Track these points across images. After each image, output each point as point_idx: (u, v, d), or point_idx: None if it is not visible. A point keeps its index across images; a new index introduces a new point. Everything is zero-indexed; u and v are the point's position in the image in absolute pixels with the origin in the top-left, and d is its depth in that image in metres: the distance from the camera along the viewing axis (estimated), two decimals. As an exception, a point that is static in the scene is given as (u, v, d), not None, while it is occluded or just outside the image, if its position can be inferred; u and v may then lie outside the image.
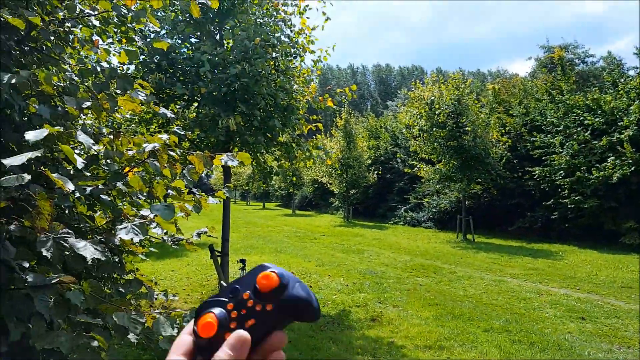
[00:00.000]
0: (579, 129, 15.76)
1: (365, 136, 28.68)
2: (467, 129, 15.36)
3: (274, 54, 6.42)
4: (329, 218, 28.07)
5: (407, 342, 5.27)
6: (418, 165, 17.57)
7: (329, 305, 6.96)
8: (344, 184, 24.57)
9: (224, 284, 7.06)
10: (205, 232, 3.06)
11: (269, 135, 7.09)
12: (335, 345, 5.13)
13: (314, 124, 7.90)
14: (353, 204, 28.37)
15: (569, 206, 15.11)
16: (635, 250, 13.45)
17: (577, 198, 14.87)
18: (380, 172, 25.01)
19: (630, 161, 13.74)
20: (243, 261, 7.01)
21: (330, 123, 31.33)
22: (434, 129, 15.99)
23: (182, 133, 6.47)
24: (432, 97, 16.29)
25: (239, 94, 6.18)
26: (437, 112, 15.84)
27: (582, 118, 15.84)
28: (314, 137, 7.81)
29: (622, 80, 16.45)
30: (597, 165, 14.58)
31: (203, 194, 2.59)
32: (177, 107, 6.95)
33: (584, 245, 14.61)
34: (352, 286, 8.35)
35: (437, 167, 16.59)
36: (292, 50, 7.04)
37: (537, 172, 16.41)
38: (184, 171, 2.27)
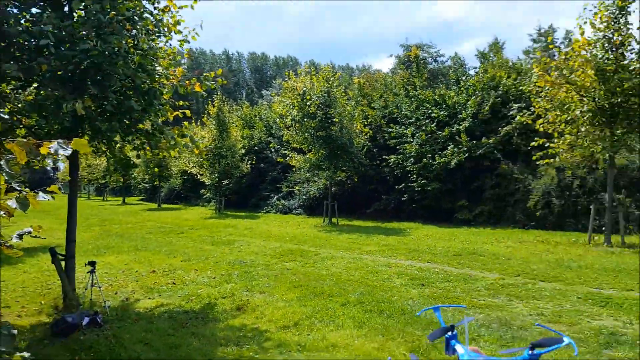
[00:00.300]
0: (427, 121, 17.85)
1: (240, 125, 28.42)
2: (334, 120, 16.30)
3: (133, 31, 6.01)
4: (199, 211, 27.36)
5: (271, 325, 5.56)
6: (290, 155, 18.13)
7: (192, 301, 6.91)
8: (216, 175, 24.14)
9: (71, 291, 6.49)
10: (29, 233, 2.80)
11: (127, 122, 6.69)
12: (197, 339, 5.16)
13: (180, 111, 7.64)
14: (225, 195, 28.03)
15: (416, 189, 17.09)
16: (465, 224, 15.90)
17: (422, 182, 16.89)
18: (254, 162, 25.10)
19: (465, 149, 16.05)
20: (92, 263, 6.52)
21: (203, 111, 30.31)
22: (305, 119, 16.64)
23: (8, 117, 5.78)
24: (304, 89, 16.88)
25: (90, 74, 5.69)
26: (308, 103, 16.49)
27: (430, 111, 17.97)
28: (181, 124, 7.46)
29: (463, 78, 19.03)
30: (440, 152, 16.72)
31: (27, 189, 2.35)
32: (10, 87, 6.11)
33: (427, 222, 16.75)
34: (220, 278, 8.40)
35: (308, 156, 17.33)
36: (155, 28, 6.67)
37: (392, 159, 18.17)
38: (1, 162, 2.07)
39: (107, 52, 5.45)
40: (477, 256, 9.84)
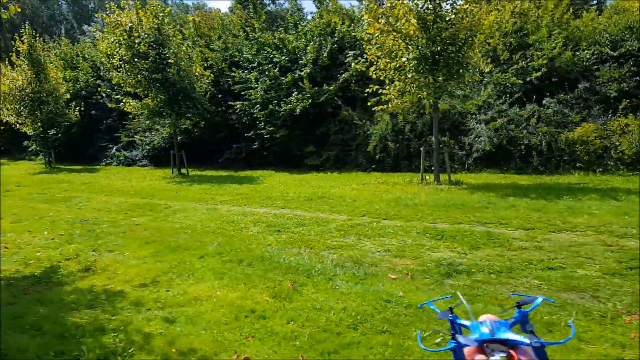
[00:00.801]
0: (269, 65, 17.85)
1: (60, 66, 24.54)
2: (170, 61, 15.22)
3: None
4: (27, 165, 23.78)
5: (125, 285, 5.35)
6: (124, 100, 16.54)
7: (32, 265, 6.22)
8: (39, 124, 20.85)
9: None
10: None
11: None
12: (44, 306, 4.75)
13: None
14: (55, 147, 24.54)
15: (265, 136, 17.37)
16: (315, 169, 16.88)
17: (270, 129, 17.20)
18: (82, 108, 22.20)
19: (309, 95, 16.65)
20: None
21: (10, 48, 25.28)
22: (136, 59, 15.18)
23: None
24: (131, 24, 15.22)
25: None
26: (137, 42, 15.00)
27: (271, 56, 17.94)
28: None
29: (301, 23, 19.22)
30: (285, 99, 17.06)
31: None
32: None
33: (279, 169, 17.32)
34: (60, 239, 7.63)
35: (144, 102, 16.04)
36: None
37: (238, 106, 17.95)
38: None
39: None
40: (326, 199, 10.64)
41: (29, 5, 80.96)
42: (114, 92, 19.68)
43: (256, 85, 17.73)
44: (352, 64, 13.37)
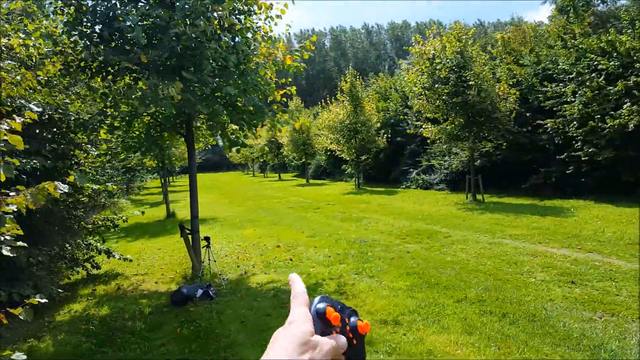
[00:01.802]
0: (592, 74, 14.55)
1: (375, 98, 27.70)
2: (470, 83, 14.44)
3: (219, 11, 5.80)
4: (341, 186, 27.67)
5: (367, 317, 4.87)
6: (423, 126, 16.81)
7: (302, 279, 6.59)
8: (353, 150, 23.96)
9: (197, 263, 6.82)
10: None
11: (229, 104, 6.66)
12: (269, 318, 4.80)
13: (287, 89, 7.40)
14: (365, 170, 27.78)
15: (583, 159, 14.15)
16: (654, 201, 12.55)
17: (590, 150, 13.89)
18: (389, 135, 24.17)
19: (649, 105, 12.63)
20: (207, 239, 6.72)
21: (334, 90, 30.39)
22: (436, 85, 15.12)
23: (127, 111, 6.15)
24: (433, 52, 15.33)
25: (183, 60, 5.68)
26: (438, 67, 14.93)
27: (595, 62, 14.60)
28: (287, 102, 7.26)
29: None
30: (612, 112, 13.48)
31: (48, 182, 2.43)
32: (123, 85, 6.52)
33: (600, 200, 13.72)
34: (335, 257, 7.97)
35: (442, 126, 15.80)
36: (244, 7, 6.43)
37: (549, 124, 15.39)
38: None
39: (195, 35, 5.32)
40: (662, 245, 7.52)
41: (362, 49, 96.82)
42: (414, 119, 20.41)
43: (573, 99, 14.79)
44: None
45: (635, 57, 13.66)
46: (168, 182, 39.58)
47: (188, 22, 5.37)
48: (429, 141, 18.79)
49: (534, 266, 6.77)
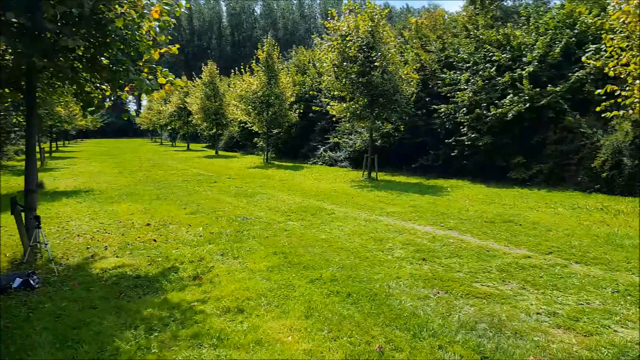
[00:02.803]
0: (486, 65, 15.47)
1: (293, 72, 27.21)
2: (376, 64, 14.63)
3: None
4: (250, 159, 27.18)
5: (210, 305, 4.67)
6: (330, 103, 16.83)
7: (155, 263, 6.22)
8: (264, 123, 23.49)
9: (26, 246, 6.06)
10: None
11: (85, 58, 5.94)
12: (114, 317, 4.39)
13: (166, 47, 6.74)
14: (276, 145, 27.49)
15: (466, 143, 15.12)
16: (519, 183, 13.90)
17: (473, 135, 14.87)
18: (301, 111, 24.02)
19: (527, 97, 13.71)
20: (37, 218, 5.97)
21: (246, 56, 29.27)
22: (345, 63, 15.13)
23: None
24: (345, 29, 15.24)
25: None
26: (348, 45, 14.92)
27: (490, 54, 15.53)
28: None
29: (536, 15, 16.07)
30: (497, 102, 14.48)
31: None
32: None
33: (476, 181, 14.87)
34: (207, 237, 7.67)
35: (347, 104, 15.92)
36: None
37: (442, 109, 16.17)
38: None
39: None
40: (511, 225, 8.22)
41: (291, 22, 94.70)
42: (322, 95, 20.42)
43: (466, 87, 15.62)
44: (584, 59, 10.14)
45: (524, 52, 14.69)
46: (56, 147, 36.23)
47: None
48: (334, 119, 18.94)
49: (396, 243, 7.05)
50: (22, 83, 6.23)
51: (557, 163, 13.28)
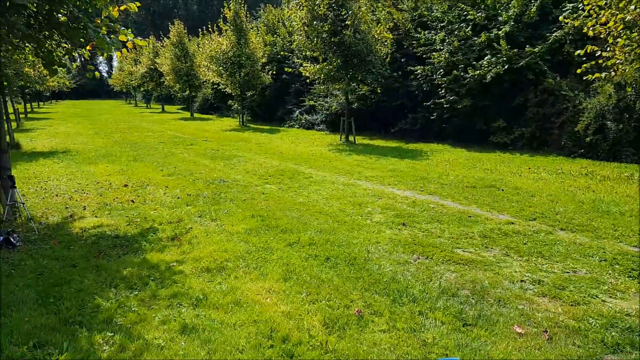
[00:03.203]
0: (461, 24, 15.22)
1: (263, 31, 26.35)
2: (347, 22, 14.23)
3: None
4: (227, 122, 26.65)
5: (188, 266, 4.63)
6: (303, 64, 16.44)
7: (134, 224, 6.12)
8: (237, 85, 22.89)
9: (8, 205, 5.91)
10: None
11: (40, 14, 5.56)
12: (94, 275, 4.35)
13: (126, 4, 6.35)
14: (251, 108, 26.94)
15: (445, 106, 15.08)
16: (500, 148, 13.94)
17: (452, 98, 14.81)
18: (274, 72, 23.46)
19: (505, 58, 13.63)
20: (11, 178, 5.77)
21: (215, 16, 28.06)
22: (315, 22, 14.66)
23: None
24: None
25: None
26: (317, 2, 14.42)
27: (465, 13, 15.24)
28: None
29: None
30: (475, 63, 14.36)
31: None
32: None
33: (456, 145, 14.93)
34: (185, 199, 7.55)
35: (320, 66, 15.57)
36: None
37: (419, 71, 15.99)
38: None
39: None
40: (493, 190, 8.29)
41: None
42: (293, 56, 19.89)
43: (441, 47, 15.41)
44: (561, 18, 10.04)
45: (499, 11, 14.46)
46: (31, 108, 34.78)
47: None
48: (308, 81, 18.57)
49: (375, 208, 7.06)
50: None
51: (539, 126, 13.34)
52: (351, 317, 3.59)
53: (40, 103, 49.22)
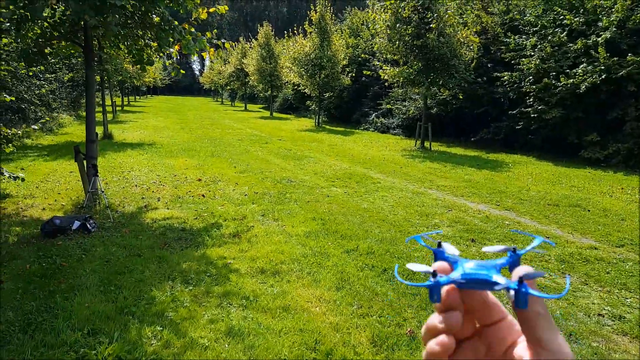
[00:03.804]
0: (555, 29, 14.06)
1: (347, 34, 26.43)
2: (431, 26, 13.73)
3: None
4: (303, 122, 27.06)
5: (244, 264, 4.65)
6: (382, 67, 16.16)
7: (201, 218, 6.32)
8: (316, 86, 23.14)
9: (90, 192, 6.37)
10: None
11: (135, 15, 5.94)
12: (155, 266, 4.51)
13: (215, 6, 6.63)
14: (328, 109, 27.13)
15: (532, 115, 14.01)
16: (592, 164, 12.66)
17: (540, 107, 13.72)
18: (354, 75, 23.38)
19: (603, 67, 12.37)
20: (95, 167, 6.20)
21: (303, 18, 28.54)
22: (398, 25, 14.34)
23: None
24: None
25: None
26: (402, 5, 14.09)
27: (561, 17, 14.06)
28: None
29: None
30: (568, 71, 13.19)
31: None
32: None
33: (543, 158, 13.82)
34: (252, 196, 7.68)
35: (400, 69, 15.20)
36: None
37: (506, 77, 15.03)
38: None
39: None
40: (578, 210, 7.50)
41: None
42: (374, 58, 19.63)
43: (532, 53, 14.36)
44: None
45: (600, 15, 13.18)
46: (128, 101, 38.09)
47: None
48: (386, 84, 18.24)
49: (443, 219, 6.68)
50: (82, 37, 6.34)
51: (638, 143, 11.97)
52: (402, 337, 3.35)
53: (137, 97, 53.51)
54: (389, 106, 21.01)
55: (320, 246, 5.27)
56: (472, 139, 16.77)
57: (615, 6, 12.60)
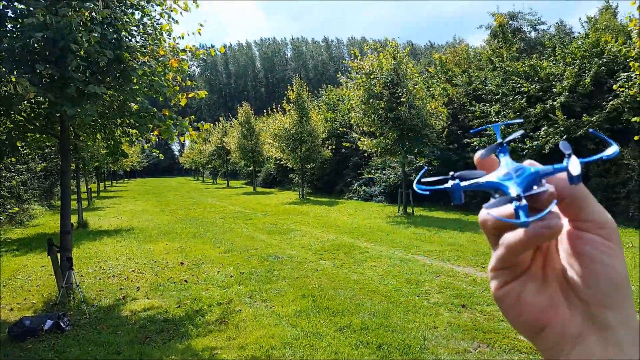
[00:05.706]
0: (515, 96, 15.11)
1: (324, 109, 27.61)
2: (402, 99, 14.56)
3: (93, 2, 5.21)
4: (287, 195, 27.31)
5: (233, 354, 4.53)
6: (360, 139, 16.80)
7: (184, 306, 6.16)
8: (298, 160, 23.70)
9: (64, 287, 6.13)
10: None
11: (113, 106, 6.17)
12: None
13: (193, 92, 6.93)
14: (310, 181, 27.61)
15: (506, 176, 14.53)
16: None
17: (513, 168, 14.30)
18: (334, 147, 24.14)
19: (562, 128, 13.19)
20: (69, 260, 6.06)
21: (281, 97, 29.94)
22: (371, 100, 15.16)
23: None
24: (370, 68, 15.41)
25: (43, 52, 5.14)
26: (373, 82, 15.01)
27: (519, 85, 15.19)
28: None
29: (562, 45, 15.76)
30: (532, 134, 14.00)
31: None
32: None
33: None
34: (237, 277, 7.59)
35: (377, 140, 15.83)
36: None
37: (475, 142, 15.77)
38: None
39: (60, 25, 4.77)
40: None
41: (320, 63, 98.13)
42: (352, 131, 20.44)
43: (497, 119, 15.23)
44: (615, 87, 9.77)
45: (553, 82, 14.28)
46: (104, 187, 37.95)
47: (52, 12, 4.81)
48: (365, 154, 18.85)
49: (433, 287, 6.68)
50: (57, 129, 6.50)
51: (605, 197, 12.47)
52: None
53: (113, 182, 53.18)
54: (369, 175, 21.54)
55: (312, 326, 5.19)
56: (452, 203, 17.09)
57: (566, 73, 13.71)
